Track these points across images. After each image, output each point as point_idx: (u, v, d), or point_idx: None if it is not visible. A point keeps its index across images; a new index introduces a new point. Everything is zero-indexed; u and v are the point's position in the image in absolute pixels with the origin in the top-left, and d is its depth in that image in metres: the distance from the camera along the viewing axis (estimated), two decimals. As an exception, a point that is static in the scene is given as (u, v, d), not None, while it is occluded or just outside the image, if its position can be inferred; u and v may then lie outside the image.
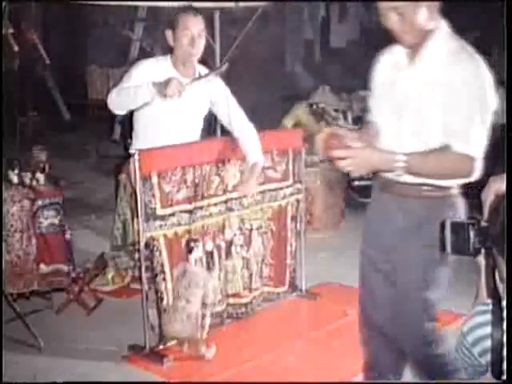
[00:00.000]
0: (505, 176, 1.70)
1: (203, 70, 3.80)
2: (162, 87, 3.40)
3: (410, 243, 2.42)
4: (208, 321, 3.45)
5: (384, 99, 2.50)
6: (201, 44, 3.65)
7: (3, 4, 4.21)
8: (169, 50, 3.77)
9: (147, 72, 3.60)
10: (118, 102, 3.55)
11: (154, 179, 3.40)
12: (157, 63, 3.71)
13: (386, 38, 2.44)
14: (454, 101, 2.26)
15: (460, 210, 2.45)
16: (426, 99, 2.32)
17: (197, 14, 3.64)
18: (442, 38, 2.35)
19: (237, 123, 3.75)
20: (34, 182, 3.61)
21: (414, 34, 2.30)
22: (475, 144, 2.29)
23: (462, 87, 2.24)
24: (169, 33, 3.65)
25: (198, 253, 3.48)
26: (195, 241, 3.49)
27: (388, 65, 2.51)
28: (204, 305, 3.41)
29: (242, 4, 5.48)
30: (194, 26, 3.60)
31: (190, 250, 3.45)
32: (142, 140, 3.75)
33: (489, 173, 2.14)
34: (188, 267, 3.43)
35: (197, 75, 3.73)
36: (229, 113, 3.74)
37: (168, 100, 3.46)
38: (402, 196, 2.43)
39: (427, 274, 2.43)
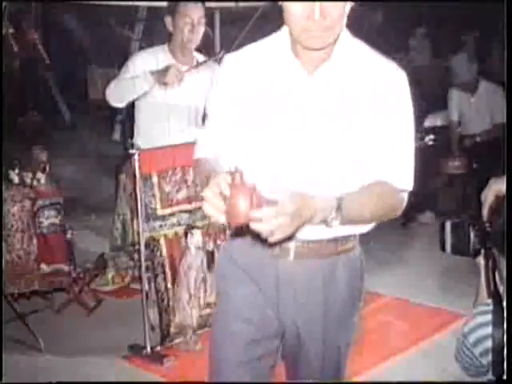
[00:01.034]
0: (505, 178, 1.70)
1: (201, 58, 3.81)
2: (161, 75, 3.44)
3: (318, 315, 1.86)
4: (195, 313, 3.47)
5: (270, 122, 1.73)
6: (200, 31, 3.66)
7: (3, 4, 4.22)
8: (167, 38, 3.77)
9: (144, 62, 3.62)
10: (117, 94, 3.57)
11: (154, 179, 3.40)
12: (154, 53, 3.72)
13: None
14: (387, 124, 1.72)
15: (362, 257, 1.93)
16: (345, 120, 1.72)
17: (197, 0, 3.63)
18: (349, 40, 1.78)
19: None
20: (35, 182, 3.62)
21: (335, 32, 1.68)
22: (411, 174, 1.79)
23: (395, 107, 1.73)
24: (168, 19, 3.66)
25: (194, 239, 3.49)
26: (192, 227, 3.50)
27: (262, 73, 1.77)
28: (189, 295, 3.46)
29: (241, 4, 5.48)
30: (194, 13, 3.60)
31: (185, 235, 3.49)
32: (143, 135, 3.76)
33: (489, 173, 2.14)
34: (186, 255, 3.47)
35: (195, 63, 3.74)
36: None
37: (168, 88, 3.48)
38: (301, 257, 1.81)
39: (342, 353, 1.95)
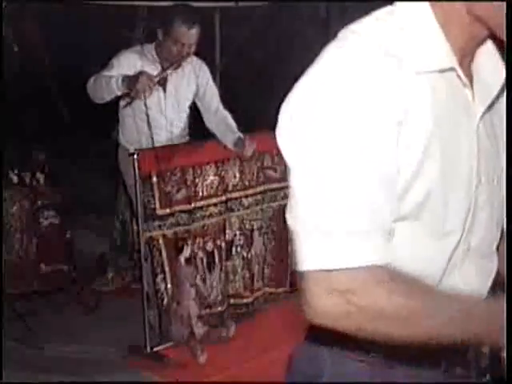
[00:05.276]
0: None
1: (194, 59, 3.72)
2: (132, 83, 3.22)
3: None
4: (201, 328, 3.46)
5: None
6: (190, 52, 3.51)
7: (3, 4, 4.22)
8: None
9: (128, 62, 3.49)
10: (94, 91, 3.40)
11: (154, 179, 3.40)
12: (140, 53, 3.59)
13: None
14: None
15: None
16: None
17: (192, 26, 3.40)
18: None
19: (213, 108, 3.74)
20: (34, 182, 3.62)
21: None
22: None
23: None
24: (160, 31, 3.50)
25: (186, 252, 3.48)
26: (183, 240, 3.49)
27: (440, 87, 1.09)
28: (197, 305, 3.44)
29: (241, 4, 5.48)
30: (186, 40, 3.42)
31: (179, 250, 3.46)
32: (128, 135, 3.73)
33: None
34: (177, 268, 3.44)
35: (183, 65, 3.64)
36: (210, 98, 3.74)
37: (140, 96, 3.29)
38: None
39: None
